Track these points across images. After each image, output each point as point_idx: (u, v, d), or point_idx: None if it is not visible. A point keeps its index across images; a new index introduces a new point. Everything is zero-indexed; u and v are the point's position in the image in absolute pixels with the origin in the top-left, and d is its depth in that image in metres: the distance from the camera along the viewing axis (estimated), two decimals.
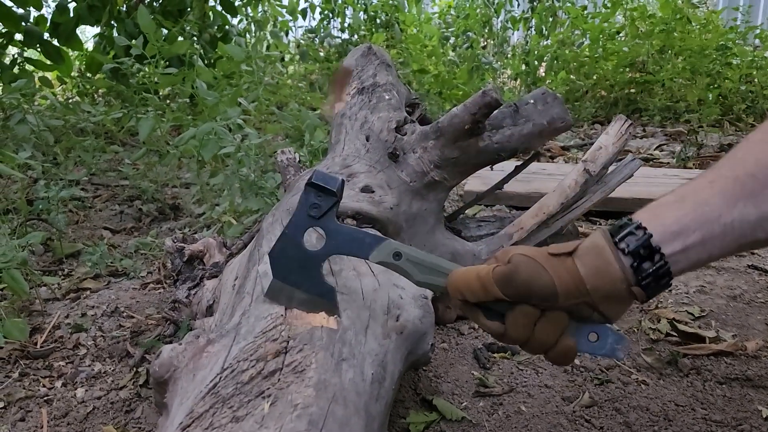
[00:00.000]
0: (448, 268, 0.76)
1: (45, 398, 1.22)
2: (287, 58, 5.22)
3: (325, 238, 0.81)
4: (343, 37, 5.29)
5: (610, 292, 0.66)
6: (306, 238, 0.81)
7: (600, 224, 2.35)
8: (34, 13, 3.86)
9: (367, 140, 1.44)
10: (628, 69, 4.86)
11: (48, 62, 3.79)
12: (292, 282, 0.82)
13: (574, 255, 0.67)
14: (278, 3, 4.93)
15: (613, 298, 0.66)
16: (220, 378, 0.69)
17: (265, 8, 5.08)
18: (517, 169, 1.62)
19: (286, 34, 5.28)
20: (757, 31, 5.28)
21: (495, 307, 0.71)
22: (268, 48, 4.74)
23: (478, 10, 6.01)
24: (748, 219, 0.64)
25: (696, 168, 3.07)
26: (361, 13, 5.38)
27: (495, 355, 1.37)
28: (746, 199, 0.64)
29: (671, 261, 0.65)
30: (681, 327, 1.46)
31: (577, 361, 1.34)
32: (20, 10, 3.65)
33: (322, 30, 5.26)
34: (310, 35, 5.27)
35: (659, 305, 1.62)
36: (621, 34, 5.20)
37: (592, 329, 0.70)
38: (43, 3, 3.92)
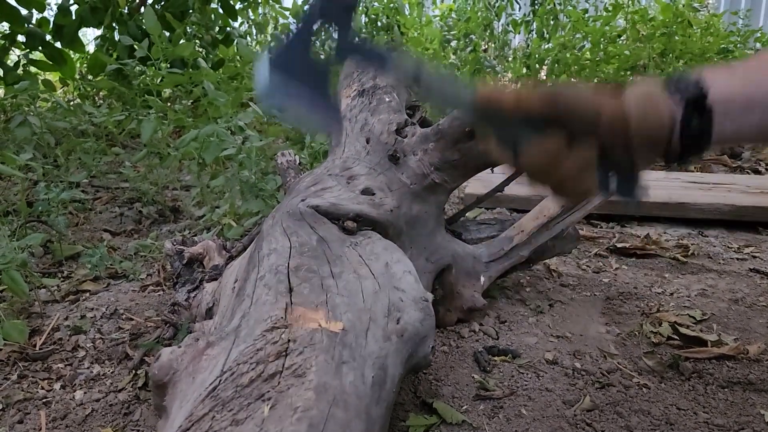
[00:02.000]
0: (474, 91, 0.67)
1: (43, 400, 1.22)
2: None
3: (338, 43, 0.68)
4: None
5: (651, 135, 0.63)
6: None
7: (601, 227, 2.34)
8: (36, 15, 3.87)
9: (368, 142, 1.44)
10: (629, 72, 4.86)
11: (51, 64, 3.81)
12: (296, 77, 0.68)
13: (623, 96, 0.64)
14: (280, 5, 4.94)
15: (652, 141, 0.64)
16: (220, 381, 0.69)
17: (266, 10, 5.08)
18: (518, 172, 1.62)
19: (287, 37, 5.27)
20: (758, 35, 5.29)
21: (518, 131, 0.65)
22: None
23: (479, 13, 6.02)
24: None
25: (697, 171, 3.06)
26: (362, 15, 5.38)
27: (495, 358, 1.36)
28: None
29: (715, 122, 0.64)
30: (683, 330, 1.46)
31: (578, 365, 1.33)
32: (24, 11, 3.66)
33: (322, 33, 5.26)
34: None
35: (660, 309, 1.61)
36: (622, 38, 5.21)
37: (618, 171, 0.66)
38: (46, 5, 3.93)
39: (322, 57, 0.69)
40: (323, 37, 0.69)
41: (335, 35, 0.68)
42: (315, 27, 0.69)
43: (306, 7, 0.69)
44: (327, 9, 0.68)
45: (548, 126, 0.64)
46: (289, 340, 0.74)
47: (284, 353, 0.72)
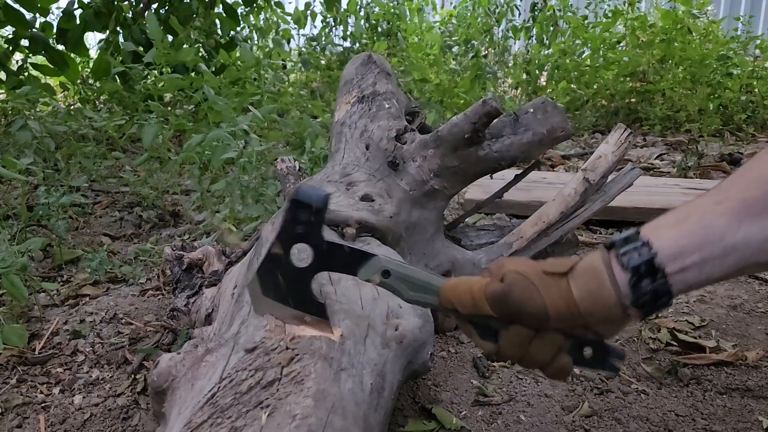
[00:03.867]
0: (439, 285, 0.74)
1: (42, 405, 1.22)
2: (289, 65, 5.23)
3: (312, 254, 0.78)
4: (344, 46, 5.30)
5: (604, 316, 0.65)
6: (293, 253, 0.78)
7: (600, 233, 2.35)
8: (39, 19, 3.89)
9: (367, 149, 1.44)
10: (628, 78, 4.88)
11: (54, 68, 3.82)
12: (281, 299, 0.80)
13: (569, 275, 0.66)
14: (282, 11, 4.96)
15: (608, 320, 0.66)
16: (219, 388, 0.69)
17: (268, 15, 5.10)
18: (517, 178, 1.63)
19: (288, 42, 5.30)
20: (758, 41, 5.30)
21: (489, 324, 0.70)
22: (270, 56, 4.76)
23: (479, 19, 6.04)
24: (753, 240, 0.63)
25: (696, 177, 3.07)
26: (363, 21, 5.40)
27: (494, 364, 1.36)
28: (752, 220, 0.63)
29: (671, 281, 0.64)
30: (681, 336, 1.46)
31: (576, 371, 1.33)
32: (29, 14, 3.68)
33: (323, 38, 5.28)
34: (311, 43, 5.29)
35: (659, 315, 1.62)
36: (622, 44, 5.22)
37: (587, 344, 0.69)
38: (50, 10, 3.95)
39: (301, 266, 0.78)
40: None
41: (309, 249, 0.77)
42: (292, 247, 0.78)
43: (278, 233, 0.78)
44: (293, 228, 0.77)
45: (508, 323, 0.68)
46: (288, 347, 0.74)
47: (283, 361, 0.72)
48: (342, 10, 5.27)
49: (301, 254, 0.78)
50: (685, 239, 0.64)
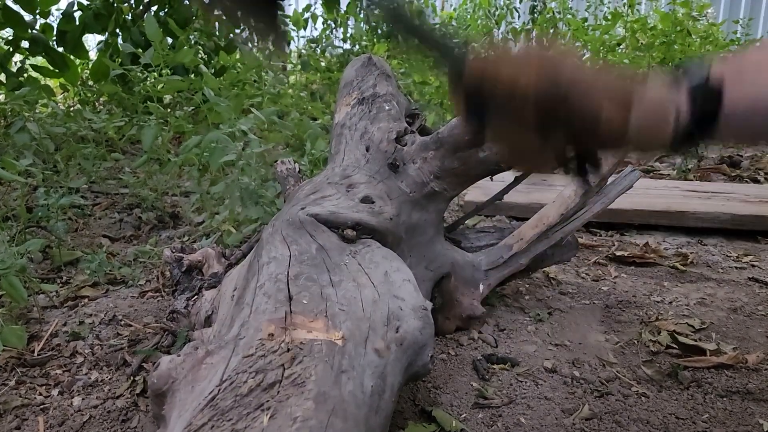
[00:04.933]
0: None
1: (41, 406, 1.22)
2: (289, 67, 5.24)
3: None
4: (344, 47, 5.31)
5: (650, 142, 0.61)
6: None
7: (600, 235, 2.35)
8: (40, 20, 3.89)
9: (367, 151, 1.44)
10: None
11: (54, 70, 3.82)
12: None
13: (631, 95, 0.60)
14: (282, 12, 4.96)
15: (650, 145, 0.62)
16: (219, 390, 0.69)
17: None
18: (518, 180, 1.62)
19: (288, 44, 5.30)
20: (758, 44, 5.30)
21: (497, 104, 0.60)
22: (270, 58, 4.76)
23: (479, 21, 6.05)
24: None
25: (696, 180, 3.07)
26: (363, 23, 5.40)
27: (494, 366, 1.36)
28: None
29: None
30: (681, 339, 1.46)
31: (576, 373, 1.33)
32: (29, 16, 3.68)
33: (323, 40, 5.29)
34: (311, 45, 5.29)
35: (659, 317, 1.61)
36: (621, 46, 5.23)
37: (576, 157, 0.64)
38: (50, 12, 3.95)
39: None
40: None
41: None
42: None
43: None
44: None
45: (536, 109, 0.60)
46: (288, 350, 0.74)
47: (284, 363, 0.72)
48: (342, 12, 5.28)
49: None
50: (746, 85, 0.62)
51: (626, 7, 5.30)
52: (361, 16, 5.40)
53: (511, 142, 0.63)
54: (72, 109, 3.43)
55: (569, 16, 5.57)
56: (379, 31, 5.41)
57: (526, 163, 0.66)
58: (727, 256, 2.15)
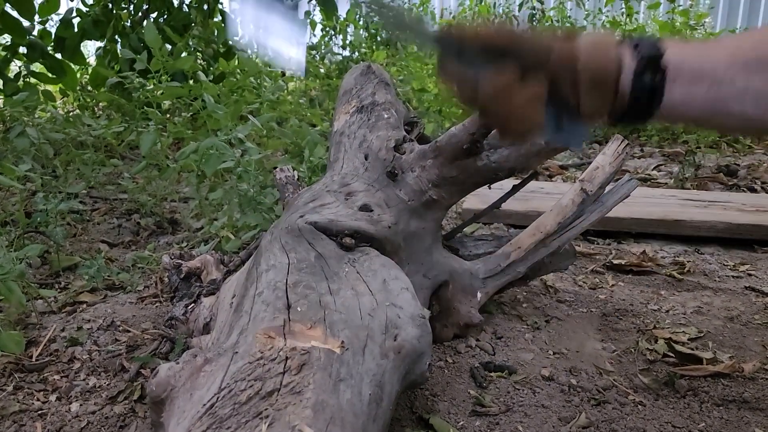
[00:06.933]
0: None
1: (39, 412, 1.22)
2: (288, 74, 5.26)
3: None
4: (344, 54, 5.33)
5: (597, 77, 0.67)
6: None
7: (597, 243, 2.35)
8: (38, 26, 3.90)
9: (366, 159, 1.45)
10: None
11: (52, 76, 3.83)
12: None
13: (577, 38, 0.69)
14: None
15: (598, 84, 0.67)
16: (218, 398, 0.69)
17: None
18: (515, 188, 1.63)
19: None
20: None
21: (474, 61, 0.70)
22: (269, 64, 4.78)
23: None
24: (737, 86, 0.66)
25: (694, 188, 3.08)
26: (362, 30, 5.43)
27: (492, 374, 1.36)
28: (745, 69, 0.67)
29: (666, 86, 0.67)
30: (678, 348, 1.46)
31: (573, 381, 1.34)
32: (26, 23, 3.69)
33: (323, 47, 5.31)
34: (311, 52, 5.31)
35: (656, 326, 1.62)
36: None
37: (564, 115, 0.70)
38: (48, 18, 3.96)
39: None
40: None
41: None
42: None
43: None
44: None
45: (503, 56, 0.69)
46: (287, 358, 0.75)
47: (282, 371, 0.72)
48: (341, 19, 5.30)
49: None
50: (689, 52, 0.69)
51: (624, 16, 5.33)
52: (361, 23, 5.43)
53: (495, 98, 0.70)
54: (71, 114, 3.44)
55: (568, 25, 5.61)
56: (378, 38, 5.44)
57: (515, 125, 0.72)
58: (723, 264, 2.15)
